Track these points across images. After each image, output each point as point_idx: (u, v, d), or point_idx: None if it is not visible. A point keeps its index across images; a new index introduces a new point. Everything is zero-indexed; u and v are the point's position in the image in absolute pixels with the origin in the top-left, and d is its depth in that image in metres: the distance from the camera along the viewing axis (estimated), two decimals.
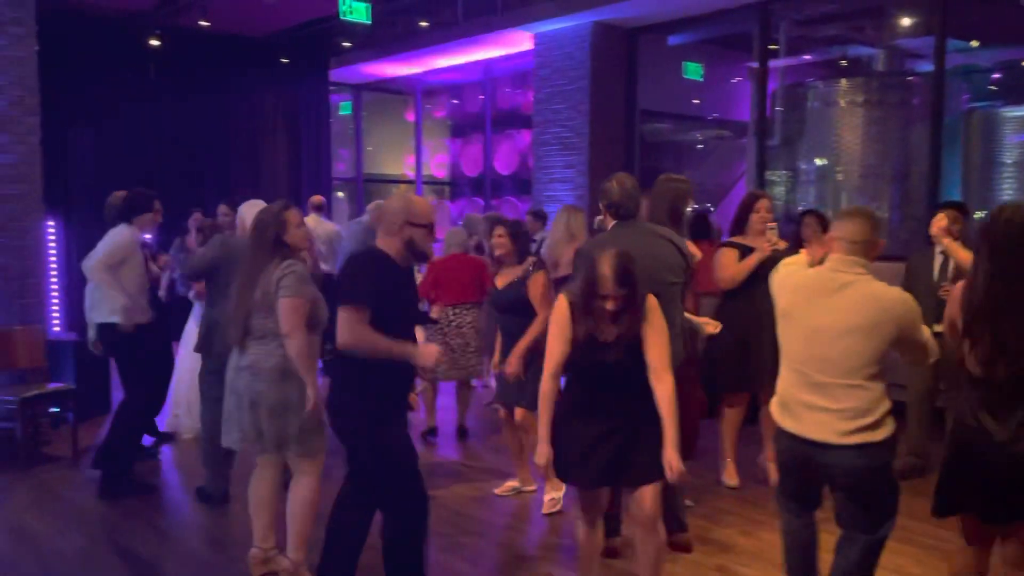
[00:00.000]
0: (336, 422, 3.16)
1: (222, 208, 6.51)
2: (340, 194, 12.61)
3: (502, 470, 5.06)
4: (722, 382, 4.74)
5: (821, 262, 2.97)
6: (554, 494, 4.53)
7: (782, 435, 2.96)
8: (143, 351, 4.87)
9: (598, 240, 4.01)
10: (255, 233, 3.50)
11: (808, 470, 2.92)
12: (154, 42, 7.59)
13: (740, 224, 4.71)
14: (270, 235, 3.45)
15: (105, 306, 4.71)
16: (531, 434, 4.48)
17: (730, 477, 4.81)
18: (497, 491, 4.77)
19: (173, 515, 4.56)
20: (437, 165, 12.74)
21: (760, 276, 4.57)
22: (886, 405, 2.78)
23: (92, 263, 4.67)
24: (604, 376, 2.99)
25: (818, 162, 8.10)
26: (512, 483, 4.79)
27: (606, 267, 2.86)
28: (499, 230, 4.63)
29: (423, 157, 12.38)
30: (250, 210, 4.68)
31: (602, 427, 3.02)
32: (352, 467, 3.20)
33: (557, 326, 3.02)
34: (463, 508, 4.56)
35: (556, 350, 3.01)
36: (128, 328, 4.68)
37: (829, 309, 2.79)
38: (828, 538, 3.06)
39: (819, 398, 2.80)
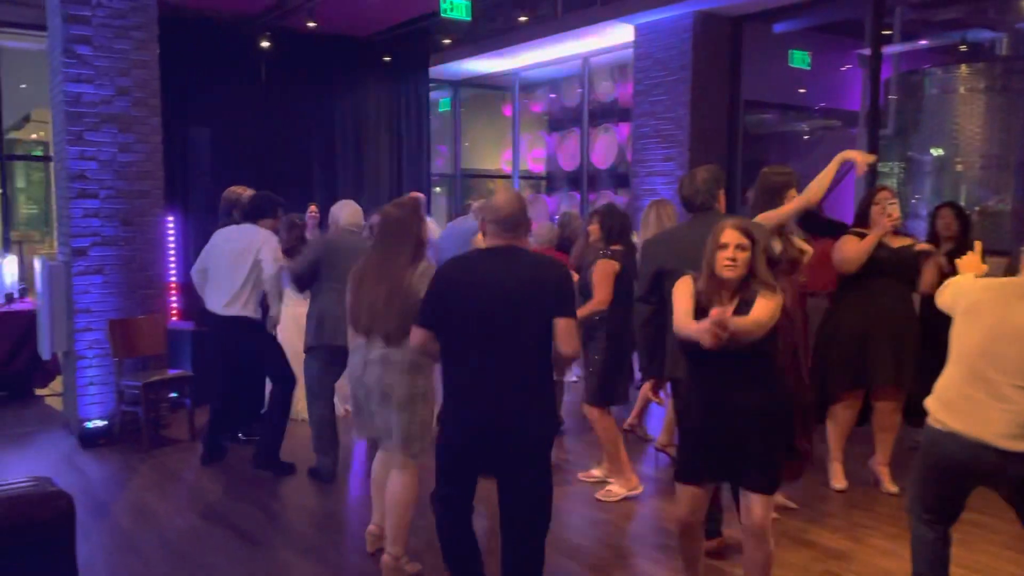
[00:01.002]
0: (526, 440, 2.88)
1: (313, 208, 6.74)
2: (437, 190, 12.80)
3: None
4: (837, 380, 4.56)
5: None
6: (617, 489, 4.53)
7: (941, 437, 2.81)
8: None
9: (662, 234, 4.02)
10: (389, 228, 3.53)
11: (965, 475, 2.80)
12: (265, 44, 7.89)
13: (862, 218, 4.54)
14: (409, 231, 3.50)
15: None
16: (597, 427, 4.57)
17: (837, 480, 4.64)
18: (581, 475, 4.86)
19: (283, 497, 4.73)
20: (534, 159, 12.76)
21: (878, 269, 4.41)
22: None
23: (274, 267, 5.01)
24: (722, 359, 2.84)
25: (934, 152, 7.71)
26: (596, 471, 4.85)
27: (727, 222, 2.89)
28: (594, 219, 4.73)
29: (520, 151, 12.43)
30: (342, 210, 4.89)
31: (721, 420, 2.92)
32: (522, 487, 2.91)
33: (680, 291, 2.97)
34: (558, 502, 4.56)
35: (684, 303, 2.93)
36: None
37: (1018, 312, 2.71)
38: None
39: (987, 395, 2.71)
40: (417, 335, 3.01)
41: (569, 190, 11.74)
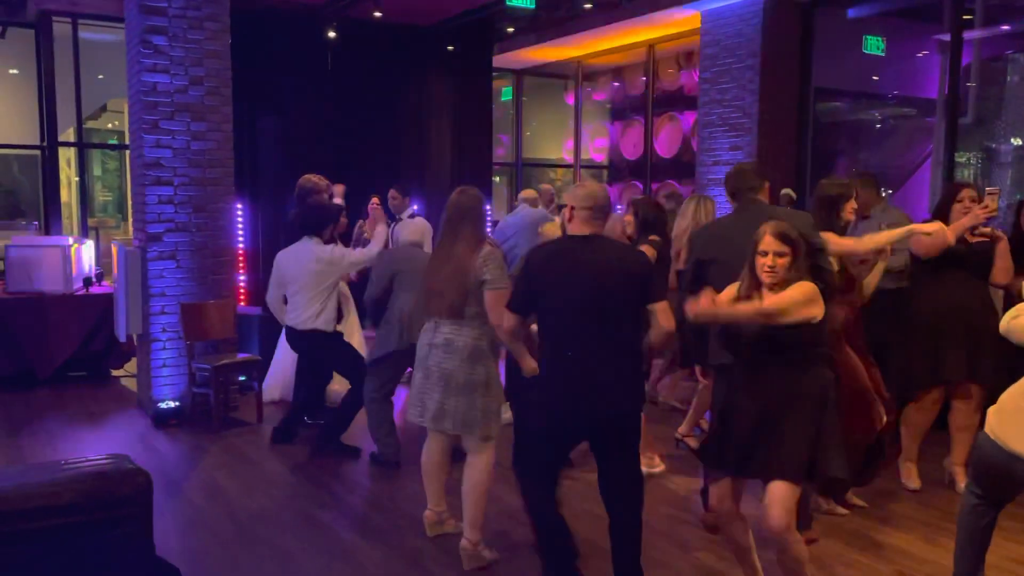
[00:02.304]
0: (629, 419, 3.12)
1: (392, 192, 6.79)
2: (497, 179, 12.80)
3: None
4: (914, 379, 4.41)
5: None
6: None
7: (986, 441, 2.87)
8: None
9: (708, 225, 4.21)
10: (454, 214, 3.64)
11: (1008, 478, 2.82)
12: (331, 34, 7.98)
13: (942, 214, 4.38)
14: (473, 217, 3.61)
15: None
16: None
17: (910, 479, 4.51)
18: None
19: (347, 480, 4.81)
20: (596, 149, 12.66)
21: (953, 262, 4.25)
22: None
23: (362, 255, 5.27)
24: (754, 350, 2.97)
25: (1016, 142, 7.39)
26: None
27: (767, 228, 2.94)
28: (630, 209, 4.75)
29: (582, 140, 12.35)
30: (404, 229, 5.08)
31: (747, 409, 2.98)
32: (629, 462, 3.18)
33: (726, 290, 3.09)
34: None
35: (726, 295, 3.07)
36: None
37: None
38: None
39: None
40: (509, 319, 3.23)
41: (632, 180, 11.61)
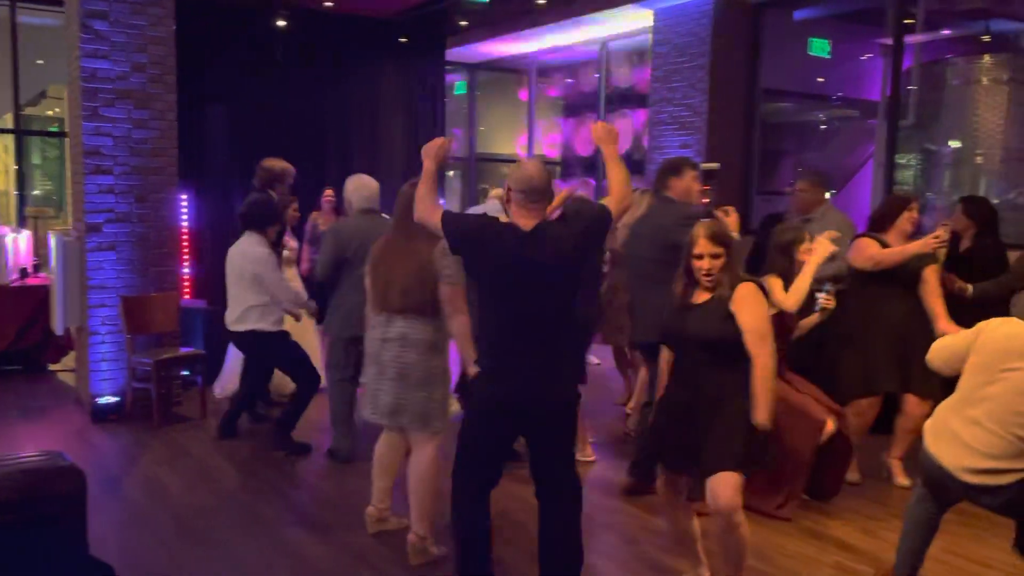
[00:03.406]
0: (568, 411, 3.00)
1: (330, 192, 6.71)
2: (451, 173, 12.75)
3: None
4: (846, 387, 4.51)
5: None
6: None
7: (924, 455, 3.06)
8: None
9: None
10: (408, 207, 3.42)
11: (944, 489, 3.05)
12: (281, 23, 7.84)
13: (882, 222, 4.49)
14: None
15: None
16: None
17: (851, 473, 4.61)
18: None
19: (294, 476, 4.75)
20: (549, 144, 12.69)
21: (889, 275, 4.35)
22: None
23: (288, 291, 5.12)
24: (689, 347, 3.02)
25: (954, 144, 7.61)
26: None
27: (700, 230, 3.00)
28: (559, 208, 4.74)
29: (535, 136, 12.36)
30: (355, 192, 4.82)
31: (682, 403, 3.04)
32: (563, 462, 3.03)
33: None
34: None
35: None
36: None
37: None
38: None
39: (965, 431, 2.92)
40: (462, 316, 3.27)
41: (585, 176, 11.67)
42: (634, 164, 10.59)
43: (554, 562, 3.01)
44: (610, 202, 2.97)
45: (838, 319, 4.51)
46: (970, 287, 4.60)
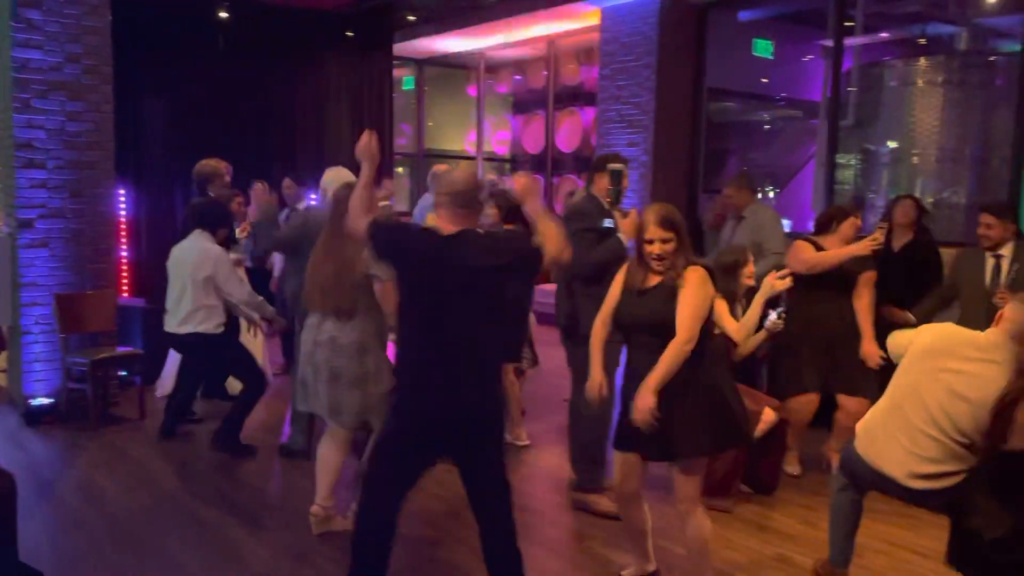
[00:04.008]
0: (494, 428, 2.88)
1: (287, 182, 6.61)
2: (400, 170, 12.66)
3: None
4: (780, 385, 4.61)
5: None
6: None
7: (855, 456, 3.13)
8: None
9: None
10: (341, 207, 3.38)
11: (875, 489, 3.16)
12: (223, 14, 7.68)
13: (826, 226, 4.60)
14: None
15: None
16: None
17: (792, 465, 4.70)
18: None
19: (235, 477, 4.65)
20: (498, 141, 12.69)
21: (825, 279, 4.45)
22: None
23: (242, 289, 5.00)
24: (640, 333, 3.03)
25: (892, 145, 7.81)
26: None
27: (650, 216, 2.98)
28: (492, 201, 4.80)
29: (484, 133, 12.35)
30: (332, 182, 4.65)
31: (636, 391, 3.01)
32: (494, 475, 2.89)
33: (616, 281, 3.16)
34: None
35: (610, 298, 3.16)
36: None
37: (962, 372, 2.90)
38: None
39: (902, 434, 2.98)
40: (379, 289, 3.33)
41: (533, 173, 11.70)
42: (583, 162, 10.66)
43: (500, 569, 2.91)
44: (548, 249, 2.81)
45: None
46: (912, 317, 4.72)
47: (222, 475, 4.67)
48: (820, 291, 4.48)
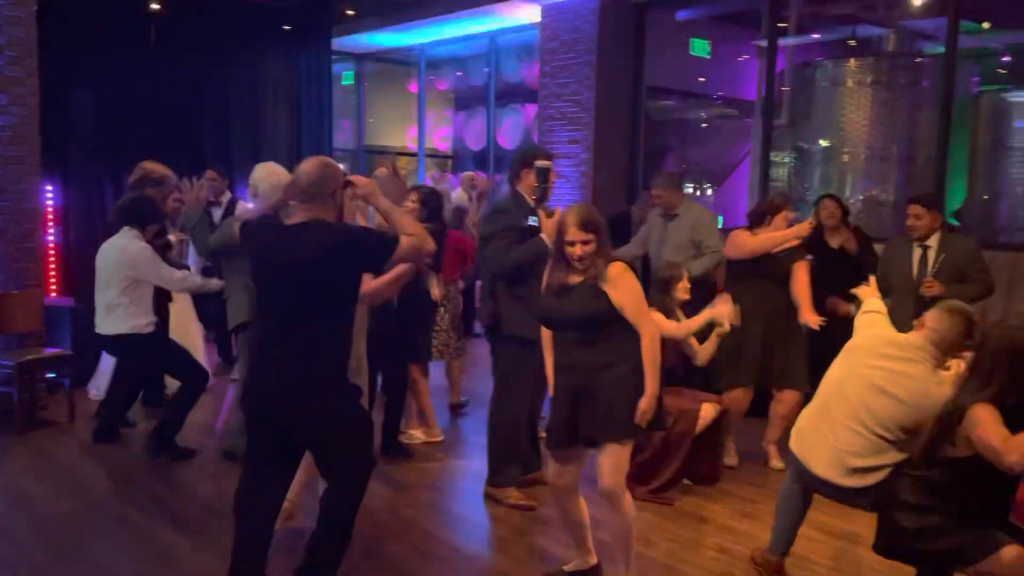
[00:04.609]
0: (327, 418, 2.90)
1: (210, 173, 6.41)
2: (341, 165, 12.49)
3: None
4: (718, 376, 4.70)
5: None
6: (417, 433, 5.11)
7: (792, 457, 3.26)
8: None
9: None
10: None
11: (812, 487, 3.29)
12: (154, 5, 7.47)
13: (760, 219, 4.71)
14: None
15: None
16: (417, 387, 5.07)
17: (729, 457, 4.80)
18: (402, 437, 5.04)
19: (170, 481, 4.53)
20: (440, 138, 12.63)
21: (759, 269, 4.56)
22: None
23: (178, 279, 4.88)
24: (565, 328, 3.10)
25: (824, 143, 8.01)
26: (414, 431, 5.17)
27: (570, 217, 3.02)
28: (412, 195, 4.84)
29: (426, 129, 12.27)
30: (264, 180, 4.51)
31: (564, 386, 3.12)
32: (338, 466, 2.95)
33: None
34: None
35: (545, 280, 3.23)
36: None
37: (882, 368, 3.03)
38: None
39: (828, 430, 3.09)
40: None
41: (476, 170, 11.67)
42: None
43: (307, 554, 2.95)
44: (403, 243, 2.83)
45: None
46: (853, 308, 4.83)
47: (156, 479, 4.54)
48: (759, 281, 4.59)
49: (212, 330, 6.74)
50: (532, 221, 3.84)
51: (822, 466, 3.08)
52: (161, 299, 5.06)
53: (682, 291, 4.44)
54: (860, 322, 3.42)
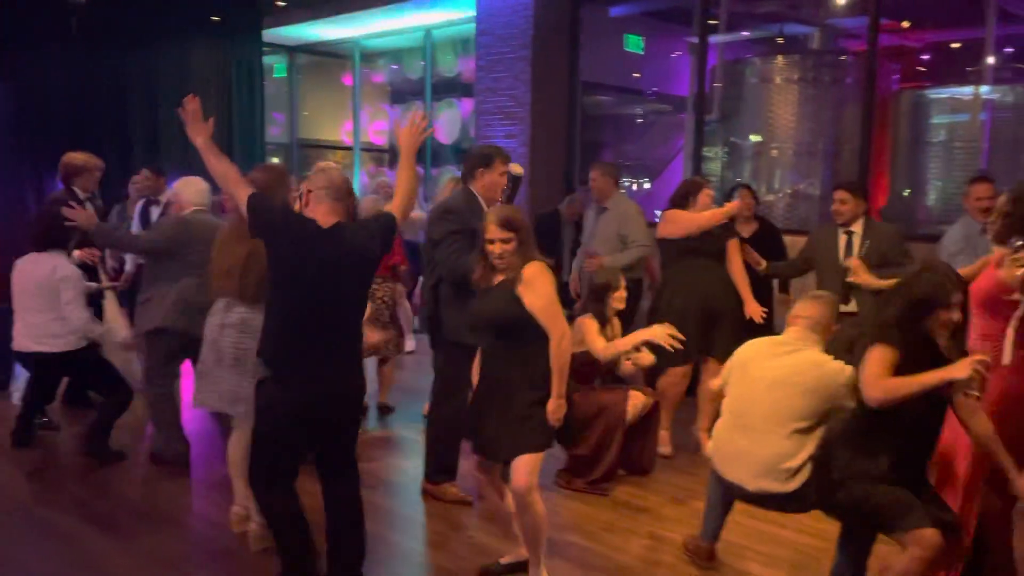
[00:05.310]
0: (359, 409, 3.19)
1: (145, 173, 6.25)
2: (275, 160, 12.28)
3: None
4: (661, 356, 4.76)
5: None
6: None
7: (717, 474, 3.34)
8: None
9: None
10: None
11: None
12: None
13: (684, 200, 4.80)
14: (272, 196, 3.34)
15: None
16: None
17: (663, 445, 4.88)
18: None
19: (97, 485, 4.39)
20: (376, 132, 12.50)
21: (694, 248, 4.66)
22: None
23: (83, 317, 4.63)
24: (484, 330, 3.13)
25: (754, 139, 8.20)
26: None
27: (490, 217, 3.06)
28: (382, 192, 4.82)
29: (361, 123, 12.13)
30: (186, 188, 4.52)
31: (480, 392, 3.16)
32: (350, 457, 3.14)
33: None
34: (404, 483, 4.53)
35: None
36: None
37: (775, 366, 3.14)
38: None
39: (745, 440, 3.16)
40: None
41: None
42: (462, 153, 10.65)
43: (344, 550, 3.09)
44: (394, 208, 3.13)
45: (656, 294, 4.81)
46: (764, 263, 4.98)
47: (80, 483, 4.41)
48: (694, 259, 4.70)
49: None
50: None
51: (756, 480, 3.11)
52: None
53: (617, 300, 4.47)
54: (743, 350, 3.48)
